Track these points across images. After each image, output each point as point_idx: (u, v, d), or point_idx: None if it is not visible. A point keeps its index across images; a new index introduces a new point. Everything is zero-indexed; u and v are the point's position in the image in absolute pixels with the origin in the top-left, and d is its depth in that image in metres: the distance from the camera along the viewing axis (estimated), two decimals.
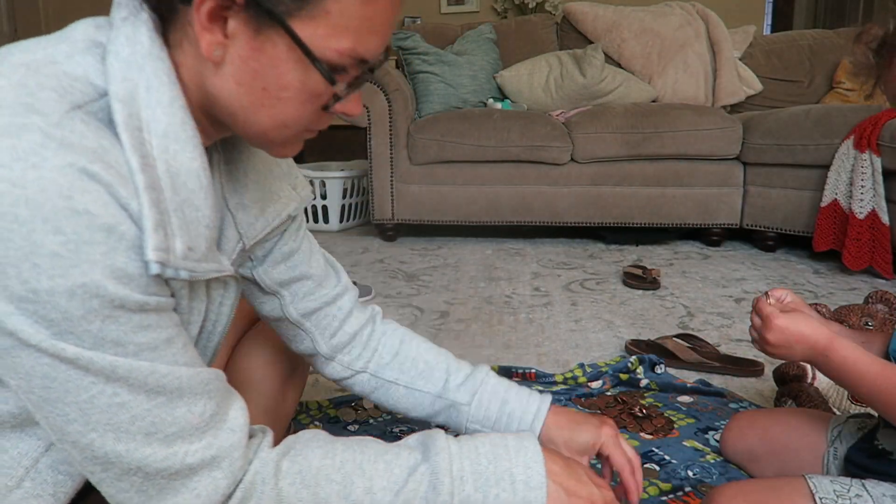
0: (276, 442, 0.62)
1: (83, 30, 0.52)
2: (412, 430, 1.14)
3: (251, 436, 0.60)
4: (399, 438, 0.68)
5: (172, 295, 0.54)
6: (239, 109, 0.53)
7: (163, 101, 0.50)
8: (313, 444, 0.61)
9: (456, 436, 0.67)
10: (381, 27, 0.52)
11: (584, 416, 0.81)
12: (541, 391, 0.86)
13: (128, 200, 0.47)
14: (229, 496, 0.55)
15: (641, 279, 2.13)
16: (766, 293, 0.85)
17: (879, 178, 2.21)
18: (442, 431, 0.65)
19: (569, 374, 1.38)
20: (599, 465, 0.81)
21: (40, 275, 0.44)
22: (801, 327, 0.77)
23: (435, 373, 0.83)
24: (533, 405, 0.81)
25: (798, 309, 0.81)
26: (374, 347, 0.84)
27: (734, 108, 3.12)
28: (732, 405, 1.24)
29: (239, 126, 0.55)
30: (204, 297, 0.60)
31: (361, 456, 0.61)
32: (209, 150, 0.63)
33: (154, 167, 0.49)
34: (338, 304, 0.80)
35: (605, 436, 0.78)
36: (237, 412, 0.58)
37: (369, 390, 0.84)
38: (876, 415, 0.88)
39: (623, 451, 0.78)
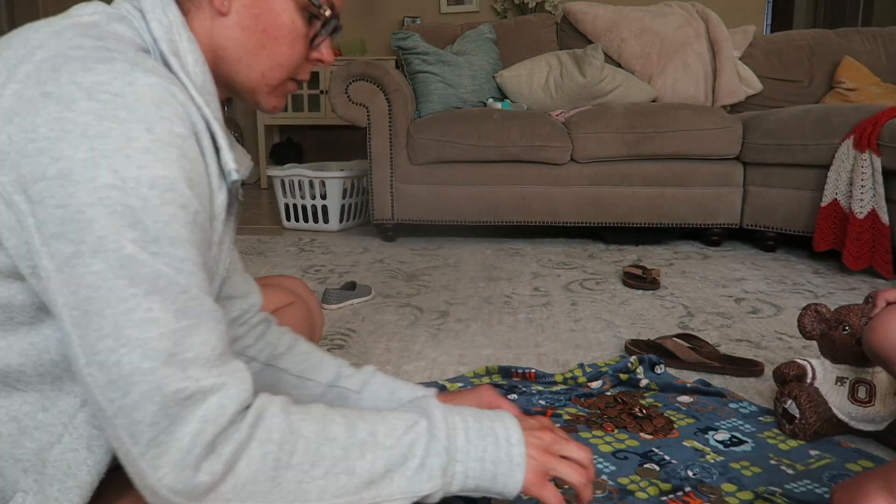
0: None
1: (92, 9, 0.61)
2: None
3: None
4: None
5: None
6: (244, 53, 0.66)
7: (199, 60, 0.63)
8: (312, 404, 0.65)
9: None
10: None
11: (470, 397, 0.84)
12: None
13: (197, 123, 0.58)
14: (239, 419, 0.56)
15: (641, 279, 2.13)
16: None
17: (879, 178, 2.20)
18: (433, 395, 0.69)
19: (568, 374, 1.38)
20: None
21: (129, 165, 0.51)
22: None
23: (326, 365, 0.86)
24: (421, 391, 0.84)
25: None
26: (269, 340, 0.86)
27: (734, 108, 3.11)
28: (732, 405, 1.24)
29: (243, 71, 0.67)
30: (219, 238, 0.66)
31: (359, 412, 0.65)
32: None
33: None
34: (249, 299, 0.84)
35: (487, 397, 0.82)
36: (241, 363, 0.60)
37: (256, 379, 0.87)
38: None
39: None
